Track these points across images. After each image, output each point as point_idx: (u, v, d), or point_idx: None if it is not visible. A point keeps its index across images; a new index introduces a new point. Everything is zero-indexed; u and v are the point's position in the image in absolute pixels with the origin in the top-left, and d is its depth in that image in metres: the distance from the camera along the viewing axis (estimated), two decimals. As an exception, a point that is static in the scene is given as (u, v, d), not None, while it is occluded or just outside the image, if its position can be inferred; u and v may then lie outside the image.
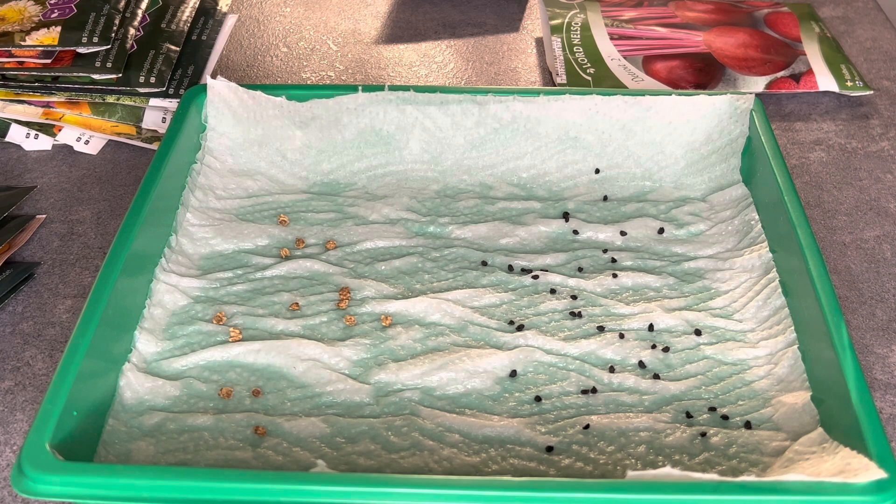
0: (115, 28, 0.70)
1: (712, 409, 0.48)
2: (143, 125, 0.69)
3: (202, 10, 0.80)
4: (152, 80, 0.69)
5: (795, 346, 0.49)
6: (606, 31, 0.79)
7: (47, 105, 0.69)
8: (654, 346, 0.52)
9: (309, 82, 0.77)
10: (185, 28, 0.75)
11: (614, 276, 0.56)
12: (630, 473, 0.40)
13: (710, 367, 0.50)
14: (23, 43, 0.67)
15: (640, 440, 0.46)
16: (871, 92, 0.73)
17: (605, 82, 0.74)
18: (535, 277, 0.56)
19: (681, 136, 0.62)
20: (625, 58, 0.76)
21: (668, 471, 0.39)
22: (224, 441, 0.46)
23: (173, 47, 0.72)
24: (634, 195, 0.62)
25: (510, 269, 0.56)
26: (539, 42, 0.82)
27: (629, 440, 0.46)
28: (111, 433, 0.45)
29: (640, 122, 0.62)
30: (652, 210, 0.61)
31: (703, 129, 0.62)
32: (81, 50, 0.68)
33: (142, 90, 0.69)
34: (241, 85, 0.61)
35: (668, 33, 0.79)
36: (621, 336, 0.52)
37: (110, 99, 0.69)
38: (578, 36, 0.78)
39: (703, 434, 0.47)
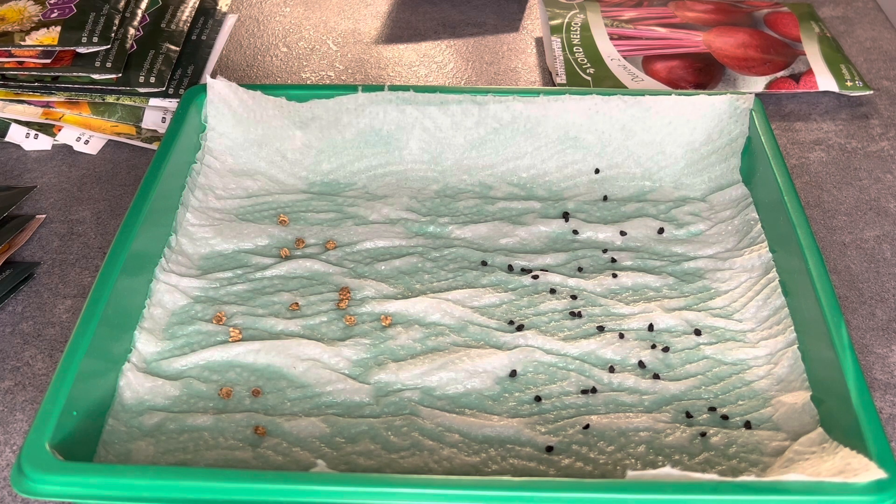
0: (114, 28, 0.70)
1: (712, 409, 0.48)
2: (143, 125, 0.69)
3: (202, 10, 0.80)
4: (152, 79, 0.69)
5: (795, 346, 0.49)
6: (606, 31, 0.79)
7: (47, 105, 0.69)
8: (653, 346, 0.52)
9: (309, 82, 0.77)
10: (185, 28, 0.75)
11: (614, 276, 0.56)
12: (630, 473, 0.40)
13: (709, 367, 0.50)
14: (23, 43, 0.67)
15: (640, 440, 0.46)
16: (871, 92, 0.73)
17: (605, 82, 0.74)
18: (535, 277, 0.56)
19: (681, 136, 0.62)
20: (625, 58, 0.76)
21: (667, 471, 0.40)
22: (224, 441, 0.46)
23: (173, 47, 0.72)
24: (634, 195, 0.62)
25: (510, 269, 0.56)
26: (539, 42, 0.82)
27: (629, 440, 0.46)
28: (111, 433, 0.45)
29: (640, 122, 0.62)
30: (652, 210, 0.61)
31: (703, 129, 0.62)
32: (81, 50, 0.68)
33: (142, 90, 0.69)
34: (241, 85, 0.62)
35: (668, 33, 0.79)
36: (621, 336, 0.52)
37: (110, 99, 0.69)
38: (578, 36, 0.78)
39: (703, 434, 0.47)
